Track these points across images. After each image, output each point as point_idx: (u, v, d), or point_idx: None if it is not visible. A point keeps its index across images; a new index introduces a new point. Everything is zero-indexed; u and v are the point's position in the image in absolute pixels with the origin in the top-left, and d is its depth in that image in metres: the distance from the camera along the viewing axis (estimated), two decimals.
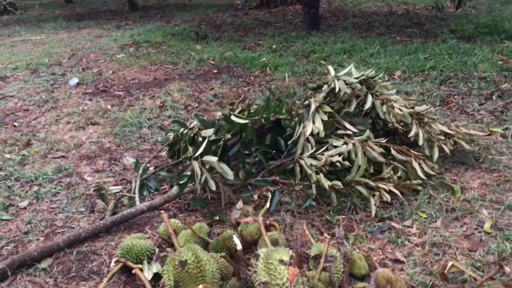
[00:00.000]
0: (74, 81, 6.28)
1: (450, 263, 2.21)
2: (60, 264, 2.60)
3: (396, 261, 2.49)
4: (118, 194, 3.33)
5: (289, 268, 1.89)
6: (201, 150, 2.88)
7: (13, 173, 3.82)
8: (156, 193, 3.42)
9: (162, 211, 2.32)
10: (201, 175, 2.81)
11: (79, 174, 3.82)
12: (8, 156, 4.22)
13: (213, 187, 2.77)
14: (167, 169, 3.70)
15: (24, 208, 3.30)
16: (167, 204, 3.20)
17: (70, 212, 3.21)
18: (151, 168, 3.73)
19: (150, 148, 4.28)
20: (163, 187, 3.49)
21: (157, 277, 2.36)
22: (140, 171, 3.34)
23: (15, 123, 5.08)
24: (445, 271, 2.24)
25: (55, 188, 3.58)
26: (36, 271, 2.54)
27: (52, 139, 4.57)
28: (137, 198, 3.11)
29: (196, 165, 2.81)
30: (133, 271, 2.26)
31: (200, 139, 3.19)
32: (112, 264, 2.32)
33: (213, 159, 2.75)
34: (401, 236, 2.68)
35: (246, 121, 3.26)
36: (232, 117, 3.24)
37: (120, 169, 3.89)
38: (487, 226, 2.68)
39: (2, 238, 2.90)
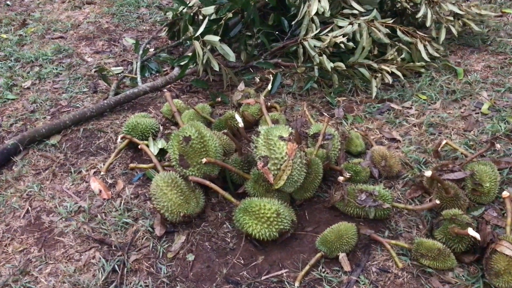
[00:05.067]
0: None
1: (444, 141, 2.29)
2: (69, 141, 2.70)
3: (393, 140, 2.58)
4: (120, 75, 3.33)
5: (288, 144, 1.96)
6: (202, 29, 2.80)
7: (13, 54, 3.79)
8: (157, 74, 3.42)
9: (165, 90, 2.34)
10: (203, 55, 2.77)
11: (79, 55, 3.78)
12: (5, 36, 4.13)
13: (216, 68, 2.76)
14: (168, 51, 3.65)
15: (28, 88, 3.33)
16: (169, 85, 3.21)
17: (74, 92, 3.25)
18: (151, 50, 3.68)
19: (149, 29, 4.17)
20: (164, 69, 3.48)
21: (161, 152, 2.47)
22: (141, 52, 3.29)
23: (8, 2, 4.88)
24: (438, 149, 2.32)
25: (56, 68, 3.57)
26: (46, 147, 2.65)
27: (48, 19, 4.44)
28: (139, 79, 3.11)
29: (197, 45, 2.76)
30: (139, 147, 2.36)
31: (201, 17, 3.08)
32: (119, 140, 2.42)
33: (215, 38, 2.69)
34: (399, 117, 2.74)
35: None
36: None
37: (120, 50, 3.83)
38: (485, 107, 2.72)
39: (10, 116, 2.98)
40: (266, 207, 1.95)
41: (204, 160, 2.05)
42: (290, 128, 2.08)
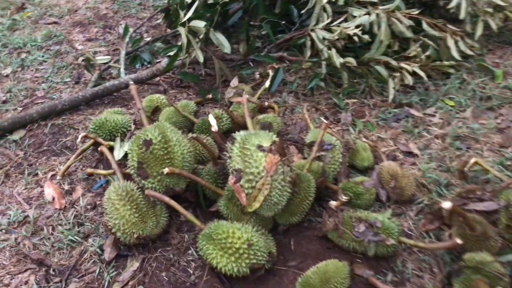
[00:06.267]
0: None
1: (472, 160, 1.81)
2: (33, 137, 2.37)
3: (409, 154, 2.12)
4: (105, 64, 2.98)
5: (268, 155, 1.55)
6: (190, 14, 2.41)
7: (1, 39, 3.50)
8: (149, 66, 3.05)
9: (131, 83, 1.95)
10: (187, 44, 2.37)
11: (70, 42, 3.46)
12: None
13: (201, 59, 2.36)
14: (164, 40, 3.28)
15: (7, 76, 3.02)
16: (158, 78, 2.85)
17: (54, 82, 2.92)
18: (148, 39, 3.32)
19: (150, 16, 3.81)
20: (157, 60, 3.11)
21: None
22: (127, 39, 2.93)
23: None
24: (465, 169, 1.85)
25: (42, 56, 3.26)
26: (7, 143, 2.33)
27: (47, 3, 4.15)
28: (122, 70, 2.75)
29: (182, 31, 2.36)
30: (99, 149, 1.99)
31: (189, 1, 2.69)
32: (79, 139, 2.06)
33: (200, 24, 2.29)
34: (419, 126, 2.27)
35: None
36: None
37: (114, 38, 3.49)
38: None
39: None
40: (236, 235, 1.54)
41: (166, 170, 1.65)
42: (275, 136, 1.66)
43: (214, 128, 1.73)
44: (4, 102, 2.72)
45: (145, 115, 1.86)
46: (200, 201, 1.86)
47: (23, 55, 3.29)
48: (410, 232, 1.74)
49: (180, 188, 1.74)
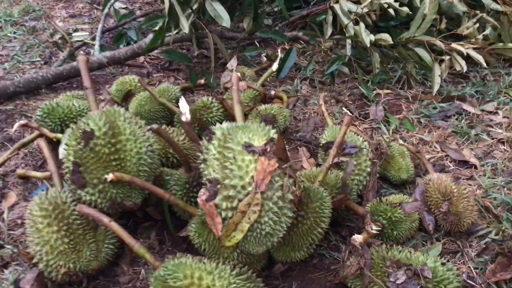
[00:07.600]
0: None
1: None
2: None
3: (464, 163, 1.54)
4: (78, 42, 2.47)
5: (259, 160, 0.99)
6: None
7: None
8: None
9: (81, 52, 1.43)
10: (171, 11, 1.83)
11: (50, 18, 2.97)
12: None
13: (186, 29, 1.81)
14: (157, 15, 2.75)
15: None
16: (142, 58, 2.33)
17: (20, 61, 2.42)
18: (140, 14, 2.80)
19: None
20: None
21: None
22: (106, 10, 2.40)
23: None
24: None
25: (14, 32, 2.77)
26: None
27: None
28: (96, 47, 2.22)
29: None
30: (35, 142, 1.47)
31: None
32: (14, 128, 1.53)
33: None
34: (476, 126, 1.68)
35: None
36: None
37: (101, 15, 2.98)
38: None
39: None
40: (204, 282, 0.99)
41: (110, 176, 1.12)
42: (273, 132, 1.10)
43: (185, 116, 1.18)
44: None
45: (94, 97, 1.32)
46: (166, 222, 1.31)
47: None
48: (471, 282, 1.16)
49: (132, 203, 1.20)
